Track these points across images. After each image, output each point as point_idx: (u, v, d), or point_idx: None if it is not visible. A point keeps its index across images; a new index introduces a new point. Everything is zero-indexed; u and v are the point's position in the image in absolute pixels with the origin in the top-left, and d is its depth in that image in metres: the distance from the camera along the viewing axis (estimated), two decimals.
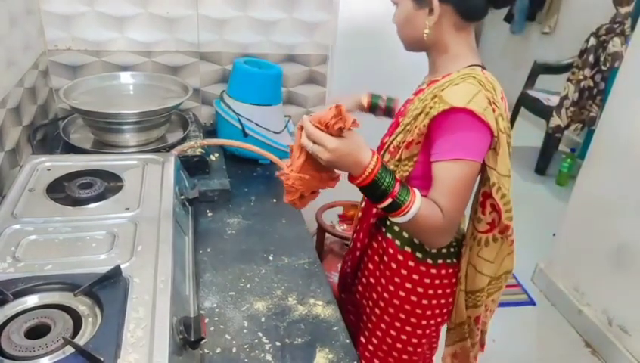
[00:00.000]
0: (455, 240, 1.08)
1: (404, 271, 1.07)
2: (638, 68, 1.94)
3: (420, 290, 1.08)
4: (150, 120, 1.38)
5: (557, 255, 2.43)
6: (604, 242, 2.11)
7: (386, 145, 1.04)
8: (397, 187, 0.87)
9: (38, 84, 1.50)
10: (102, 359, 0.64)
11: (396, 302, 1.10)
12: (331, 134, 0.83)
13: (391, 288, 1.10)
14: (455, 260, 1.09)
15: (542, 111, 3.53)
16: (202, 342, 0.77)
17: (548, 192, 3.48)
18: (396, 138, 1.01)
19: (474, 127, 0.89)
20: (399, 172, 0.98)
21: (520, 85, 3.80)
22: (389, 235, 1.09)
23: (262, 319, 0.93)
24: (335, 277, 1.63)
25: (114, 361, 0.66)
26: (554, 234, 2.50)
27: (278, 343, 0.88)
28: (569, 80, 3.23)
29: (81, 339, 0.69)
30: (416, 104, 0.98)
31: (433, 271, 1.07)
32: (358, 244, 1.17)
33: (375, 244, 1.13)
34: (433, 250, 1.06)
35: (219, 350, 0.86)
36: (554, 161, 3.67)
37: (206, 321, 0.91)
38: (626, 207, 2.00)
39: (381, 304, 1.13)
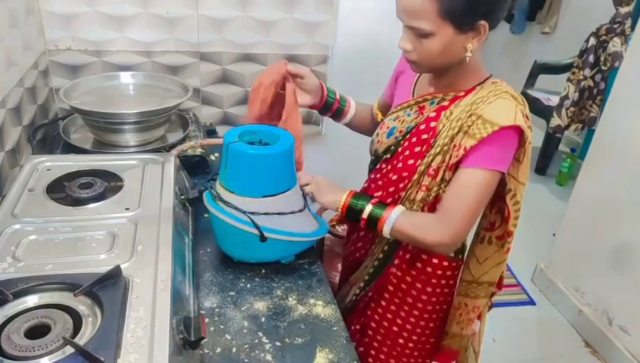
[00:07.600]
0: None
1: (439, 272, 1.09)
2: (638, 68, 1.94)
3: (452, 282, 1.12)
4: (150, 120, 1.38)
5: (557, 255, 2.43)
6: (604, 242, 2.11)
7: (422, 168, 1.01)
8: (372, 203, 1.01)
9: (38, 84, 1.50)
10: (102, 359, 0.64)
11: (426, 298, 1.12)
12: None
13: (429, 290, 1.11)
14: None
15: (542, 111, 3.53)
16: (202, 342, 0.77)
17: (548, 192, 3.47)
18: (433, 159, 0.99)
19: (513, 141, 0.94)
20: (443, 192, 1.00)
21: (520, 85, 3.79)
22: None
23: (262, 319, 0.93)
24: (336, 278, 1.63)
25: (114, 361, 0.66)
26: (554, 234, 2.49)
27: (278, 343, 0.88)
28: (569, 80, 3.23)
29: (81, 339, 0.69)
30: (448, 124, 0.98)
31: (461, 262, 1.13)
32: (367, 255, 1.17)
33: (402, 252, 1.11)
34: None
35: (219, 350, 0.85)
36: (554, 161, 3.66)
37: (206, 321, 0.91)
38: (626, 207, 2.00)
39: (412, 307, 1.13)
